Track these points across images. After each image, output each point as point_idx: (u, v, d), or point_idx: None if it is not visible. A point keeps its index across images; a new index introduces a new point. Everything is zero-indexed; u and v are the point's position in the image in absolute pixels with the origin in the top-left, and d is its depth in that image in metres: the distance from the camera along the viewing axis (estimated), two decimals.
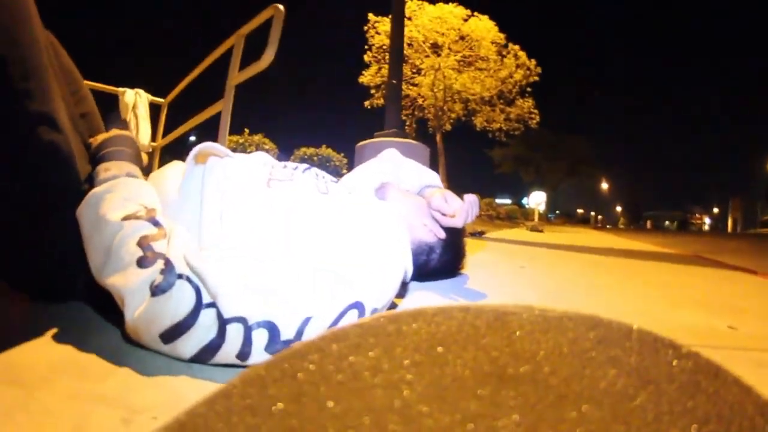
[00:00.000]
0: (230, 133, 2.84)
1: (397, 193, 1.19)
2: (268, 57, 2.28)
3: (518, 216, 16.38)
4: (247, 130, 8.57)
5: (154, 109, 3.74)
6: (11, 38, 0.68)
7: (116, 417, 0.49)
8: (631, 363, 0.21)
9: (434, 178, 1.39)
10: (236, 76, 2.61)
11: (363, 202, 0.94)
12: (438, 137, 16.69)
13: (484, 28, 15.51)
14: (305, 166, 1.02)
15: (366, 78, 16.11)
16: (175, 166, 0.91)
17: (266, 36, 2.35)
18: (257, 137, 8.44)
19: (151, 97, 3.62)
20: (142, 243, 0.63)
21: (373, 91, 16.16)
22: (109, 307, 0.80)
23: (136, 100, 3.47)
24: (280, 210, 0.81)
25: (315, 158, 8.21)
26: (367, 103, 16.31)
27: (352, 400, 0.19)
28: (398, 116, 4.58)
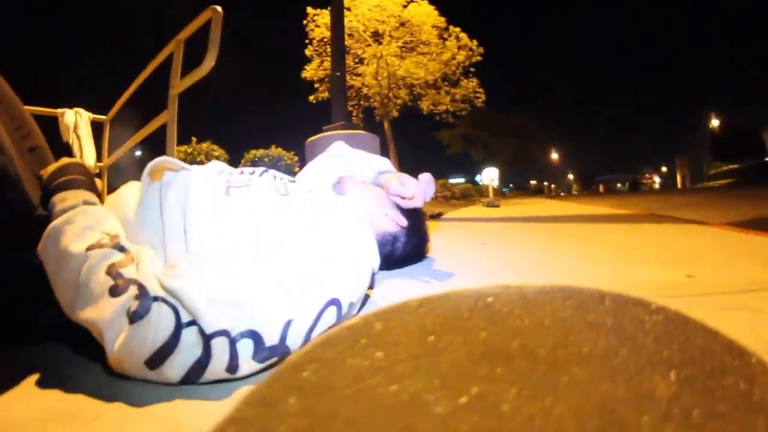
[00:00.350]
0: (178, 144, 2.73)
1: (354, 186, 1.19)
2: (209, 62, 2.18)
3: (473, 194, 16.66)
4: (194, 139, 8.36)
5: (97, 128, 3.56)
6: None
7: None
8: (607, 325, 0.23)
9: (386, 164, 1.39)
10: (178, 85, 2.49)
11: (323, 200, 0.94)
12: (386, 125, 16.65)
13: (423, 12, 15.51)
14: (262, 169, 1.02)
15: (309, 72, 15.85)
16: (130, 186, 0.89)
17: (206, 39, 2.28)
18: (205, 145, 8.23)
19: (92, 116, 3.38)
20: (111, 271, 0.62)
21: (317, 85, 15.94)
22: (85, 343, 0.77)
23: (76, 120, 3.23)
24: (242, 217, 0.79)
25: (266, 159, 8.08)
26: (312, 98, 16.10)
27: (360, 402, 0.19)
28: (345, 108, 4.55)
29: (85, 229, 0.67)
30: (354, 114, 16.18)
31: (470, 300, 0.25)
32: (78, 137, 3.21)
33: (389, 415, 0.19)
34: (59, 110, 3.25)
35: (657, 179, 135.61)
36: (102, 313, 0.59)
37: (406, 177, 1.25)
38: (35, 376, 0.70)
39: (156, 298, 0.60)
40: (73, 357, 0.78)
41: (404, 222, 1.17)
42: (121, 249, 0.65)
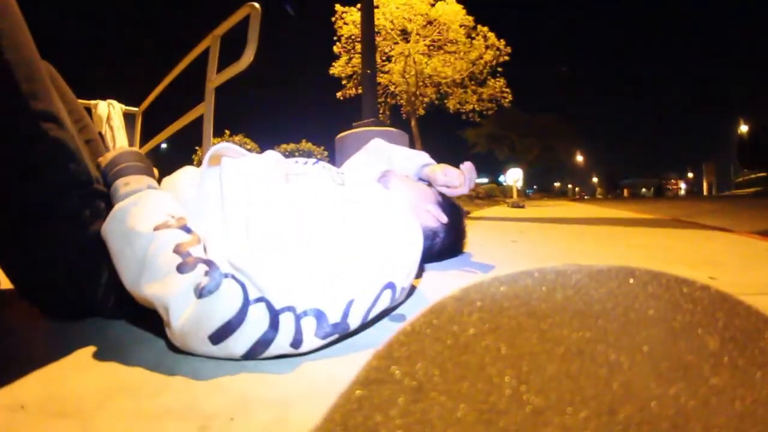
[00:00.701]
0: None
1: (399, 181, 1.24)
2: (247, 57, 2.27)
3: (497, 194, 16.54)
4: (228, 132, 8.54)
5: (129, 120, 3.66)
6: (15, 42, 0.68)
7: (192, 428, 0.48)
8: (664, 296, 0.29)
9: (426, 157, 1.45)
10: (216, 78, 2.57)
11: (375, 191, 0.99)
12: (413, 122, 16.67)
13: (451, 11, 15.53)
14: (313, 159, 1.07)
15: (337, 69, 16.07)
16: (187, 171, 0.92)
17: (241, 35, 2.34)
18: (238, 138, 8.41)
19: (124, 107, 3.44)
20: (179, 250, 0.64)
21: (344, 82, 16.18)
22: (139, 323, 0.82)
23: (109, 112, 3.31)
24: (304, 202, 0.84)
25: (296, 153, 8.25)
26: (339, 94, 16.34)
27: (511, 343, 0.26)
28: (374, 105, 4.57)
29: (151, 210, 0.70)
30: (381, 111, 16.24)
31: (552, 275, 0.31)
32: (111, 128, 3.29)
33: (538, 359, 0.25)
34: (92, 102, 3.32)
35: (683, 185, 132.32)
36: (170, 288, 0.61)
37: (448, 167, 1.30)
38: (92, 350, 0.71)
39: (225, 275, 0.62)
40: (129, 334, 0.80)
41: (444, 218, 1.23)
42: (188, 231, 0.68)
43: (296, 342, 0.64)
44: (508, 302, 0.28)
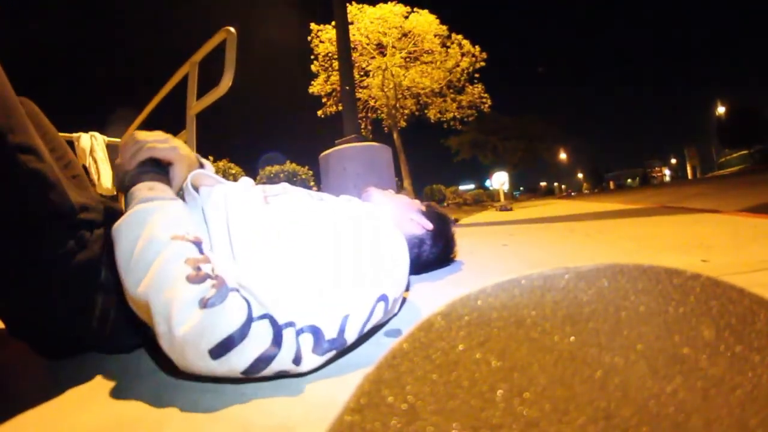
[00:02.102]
0: None
1: (379, 194, 1.24)
2: (226, 82, 2.25)
3: (484, 199, 16.60)
4: (211, 158, 8.53)
5: (113, 151, 3.62)
6: None
7: None
8: (654, 290, 0.29)
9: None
10: (195, 105, 2.54)
11: (357, 205, 0.99)
12: (395, 135, 16.77)
13: (425, 22, 15.76)
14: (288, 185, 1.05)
15: (316, 87, 16.19)
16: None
17: (217, 58, 2.33)
18: (222, 163, 8.39)
19: (107, 139, 3.42)
20: (190, 263, 0.62)
21: (324, 100, 16.27)
22: (135, 357, 0.80)
23: (92, 144, 3.31)
24: (285, 221, 0.82)
25: (282, 175, 8.24)
26: (320, 112, 16.42)
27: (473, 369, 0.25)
28: (355, 121, 4.56)
29: (172, 221, 0.68)
30: (362, 126, 16.33)
31: (539, 281, 0.31)
32: (95, 160, 3.27)
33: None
34: (75, 135, 3.31)
35: (667, 172, 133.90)
36: (175, 295, 0.59)
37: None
38: (90, 386, 0.71)
39: (231, 289, 0.61)
40: (126, 368, 0.78)
41: (429, 226, 1.21)
42: (201, 250, 0.66)
43: (297, 359, 0.63)
44: (496, 314, 0.27)
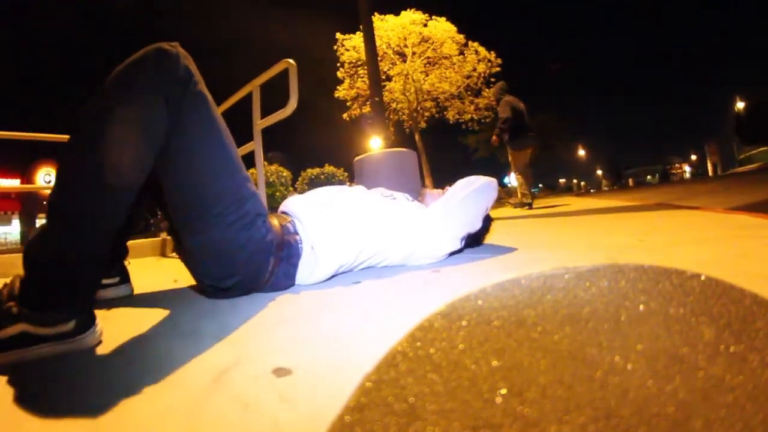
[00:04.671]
0: (247, 168, 3.07)
1: (434, 195, 1.66)
2: (292, 104, 2.55)
3: (502, 195, 16.35)
4: (266, 162, 8.94)
5: None
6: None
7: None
8: (654, 290, 0.28)
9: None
10: (262, 121, 2.81)
11: (416, 205, 1.49)
12: (417, 136, 16.97)
13: (443, 29, 15.99)
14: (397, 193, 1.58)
15: (341, 92, 16.49)
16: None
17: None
18: (274, 167, 8.73)
19: None
20: None
21: (349, 103, 16.56)
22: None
23: None
24: (400, 214, 1.38)
25: (322, 177, 8.56)
26: (345, 115, 16.77)
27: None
28: (385, 129, 4.74)
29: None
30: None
31: (539, 280, 0.30)
32: None
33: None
34: None
35: (687, 168, 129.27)
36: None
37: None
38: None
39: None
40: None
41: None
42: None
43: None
44: (495, 314, 0.27)
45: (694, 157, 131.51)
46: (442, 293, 0.98)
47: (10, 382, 0.66)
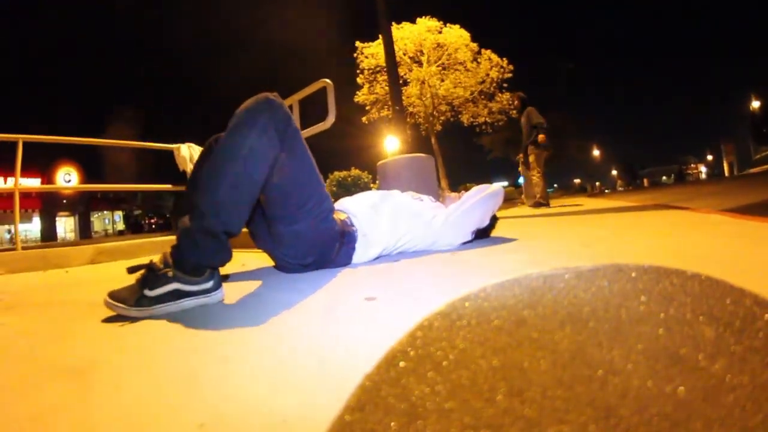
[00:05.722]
0: None
1: (454, 198, 1.95)
2: (330, 119, 2.86)
3: (516, 196, 16.15)
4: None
5: None
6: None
7: None
8: (654, 290, 0.27)
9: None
10: (303, 133, 2.89)
11: (436, 205, 1.88)
12: (433, 139, 17.29)
13: (457, 35, 16.25)
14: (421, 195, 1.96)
15: (361, 97, 16.85)
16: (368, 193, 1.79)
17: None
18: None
19: (200, 148, 3.84)
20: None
21: (368, 108, 16.92)
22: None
23: (191, 153, 3.74)
24: (432, 211, 1.78)
25: (349, 179, 8.82)
26: (364, 118, 17.15)
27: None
28: (405, 135, 4.88)
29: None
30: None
31: (539, 280, 0.29)
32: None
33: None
34: (174, 145, 3.75)
35: (703, 169, 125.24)
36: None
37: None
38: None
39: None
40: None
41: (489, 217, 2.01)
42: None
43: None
44: (495, 313, 0.26)
45: (710, 157, 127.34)
46: (457, 269, 1.24)
47: (170, 322, 0.93)
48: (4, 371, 0.70)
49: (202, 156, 1.55)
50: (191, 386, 0.56)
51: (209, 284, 1.07)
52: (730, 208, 2.85)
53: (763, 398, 0.21)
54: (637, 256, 1.18)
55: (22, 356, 0.78)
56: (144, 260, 1.15)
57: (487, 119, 17.48)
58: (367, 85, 16.55)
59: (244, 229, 1.35)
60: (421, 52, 16.35)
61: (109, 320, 0.99)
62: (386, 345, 0.56)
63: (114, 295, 1.01)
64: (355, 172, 9.57)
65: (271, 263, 1.66)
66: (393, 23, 15.45)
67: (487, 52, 16.60)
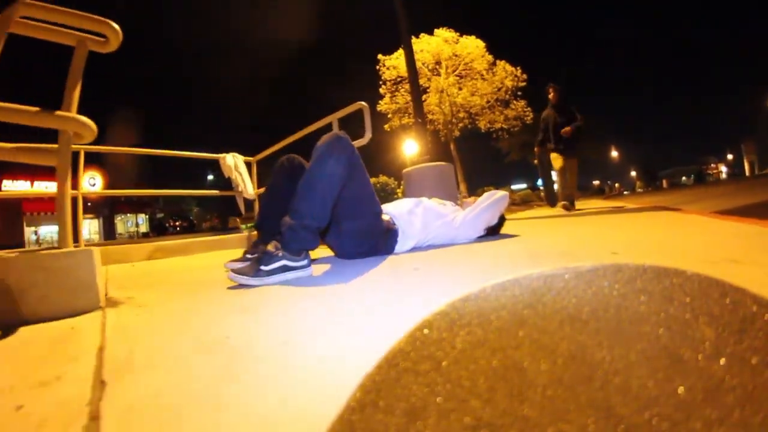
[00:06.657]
0: None
1: (470, 202, 2.30)
2: (368, 135, 3.23)
3: (533, 199, 15.87)
4: None
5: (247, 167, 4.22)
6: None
7: None
8: (654, 290, 0.26)
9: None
10: None
11: (456, 208, 2.24)
12: (452, 146, 17.60)
13: (473, 45, 16.51)
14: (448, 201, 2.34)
15: (383, 106, 17.22)
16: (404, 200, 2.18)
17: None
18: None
19: (243, 157, 4.11)
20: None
21: (390, 116, 17.25)
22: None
23: (235, 162, 3.97)
24: (453, 213, 2.12)
25: (377, 185, 8.99)
26: (386, 126, 17.61)
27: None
28: (426, 145, 5.06)
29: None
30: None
31: (539, 281, 0.29)
32: (240, 174, 3.99)
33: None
34: (220, 155, 4.00)
35: (723, 169, 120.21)
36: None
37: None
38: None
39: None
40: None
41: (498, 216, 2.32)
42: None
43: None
44: (495, 314, 0.26)
45: (730, 156, 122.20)
46: (472, 256, 1.58)
47: (281, 287, 1.29)
48: (207, 309, 1.06)
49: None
50: (315, 320, 0.87)
51: (305, 262, 1.48)
52: (722, 210, 2.99)
53: (763, 398, 0.20)
54: (604, 248, 1.44)
55: (211, 301, 1.17)
56: (228, 256, 2.04)
57: (503, 125, 17.67)
58: (388, 95, 16.89)
59: None
60: (439, 62, 16.60)
61: (234, 288, 1.34)
62: (431, 297, 0.96)
63: (237, 271, 1.37)
64: (383, 178, 9.95)
65: (332, 254, 2.11)
66: (412, 36, 15.72)
67: (501, 63, 16.83)
